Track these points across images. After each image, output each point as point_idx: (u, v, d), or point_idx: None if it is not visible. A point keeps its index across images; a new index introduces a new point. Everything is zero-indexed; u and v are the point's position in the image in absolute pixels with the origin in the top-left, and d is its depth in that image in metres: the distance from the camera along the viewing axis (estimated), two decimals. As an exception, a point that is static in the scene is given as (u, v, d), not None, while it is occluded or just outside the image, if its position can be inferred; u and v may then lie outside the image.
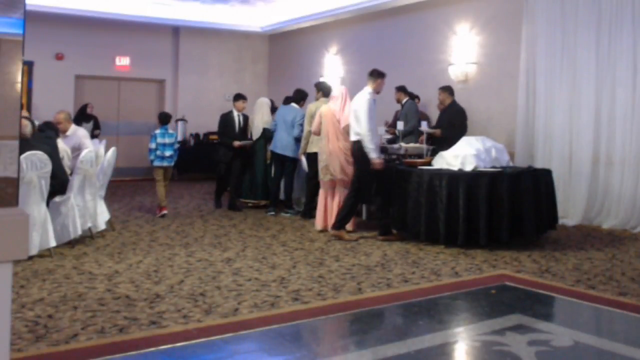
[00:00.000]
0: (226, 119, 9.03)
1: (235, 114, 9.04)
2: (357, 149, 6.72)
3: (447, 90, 8.61)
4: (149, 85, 13.79)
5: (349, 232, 7.17)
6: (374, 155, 6.63)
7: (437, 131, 8.23)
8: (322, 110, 7.41)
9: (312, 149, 7.98)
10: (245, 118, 9.15)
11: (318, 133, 7.44)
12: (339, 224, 6.82)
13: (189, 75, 13.66)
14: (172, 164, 8.41)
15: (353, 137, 6.77)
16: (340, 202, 7.22)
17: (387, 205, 6.77)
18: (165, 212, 8.33)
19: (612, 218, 7.65)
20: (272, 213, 8.50)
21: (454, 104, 8.57)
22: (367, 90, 6.84)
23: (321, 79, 12.23)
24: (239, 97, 9.12)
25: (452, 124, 8.29)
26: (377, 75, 6.91)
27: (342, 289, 4.79)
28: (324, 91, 8.18)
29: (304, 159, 8.30)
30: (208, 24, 13.19)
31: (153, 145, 8.23)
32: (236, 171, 8.96)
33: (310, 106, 8.16)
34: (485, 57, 9.45)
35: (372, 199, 6.93)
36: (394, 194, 6.79)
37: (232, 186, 9.02)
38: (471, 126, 9.40)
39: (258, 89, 14.36)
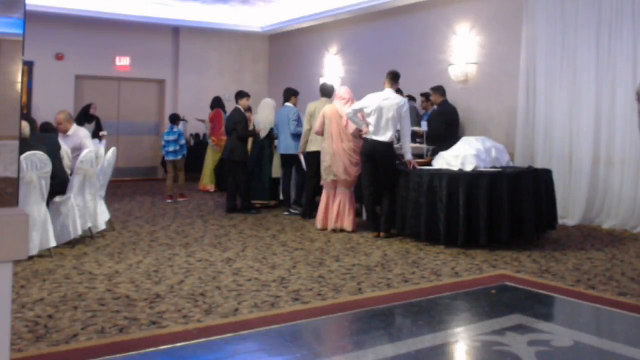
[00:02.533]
0: (241, 116, 8.75)
1: (243, 111, 8.87)
2: (388, 149, 6.85)
3: (439, 90, 8.72)
4: (149, 85, 13.79)
5: (350, 232, 7.22)
6: (410, 156, 6.96)
7: (420, 130, 8.29)
8: (326, 110, 7.41)
9: (311, 147, 8.00)
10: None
11: (321, 133, 7.44)
12: (389, 226, 6.88)
13: (189, 75, 13.66)
14: (178, 157, 9.78)
15: (381, 138, 6.79)
16: (341, 203, 7.27)
17: (394, 207, 6.79)
18: (169, 200, 9.73)
19: (612, 218, 7.65)
20: (287, 213, 8.53)
21: (446, 103, 8.66)
22: (392, 92, 6.94)
23: (321, 79, 12.25)
24: (243, 94, 9.00)
25: (448, 123, 8.32)
26: (398, 77, 7.07)
27: (342, 289, 4.79)
28: (322, 91, 8.25)
29: (302, 158, 8.31)
30: (208, 24, 13.18)
31: (162, 142, 10.00)
32: (247, 172, 8.81)
33: (310, 105, 8.19)
34: (485, 57, 9.45)
35: (379, 202, 6.97)
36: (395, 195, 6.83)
37: (246, 188, 8.71)
38: (471, 126, 9.43)
39: (258, 89, 14.35)
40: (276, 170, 9.10)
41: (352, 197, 7.39)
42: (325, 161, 7.31)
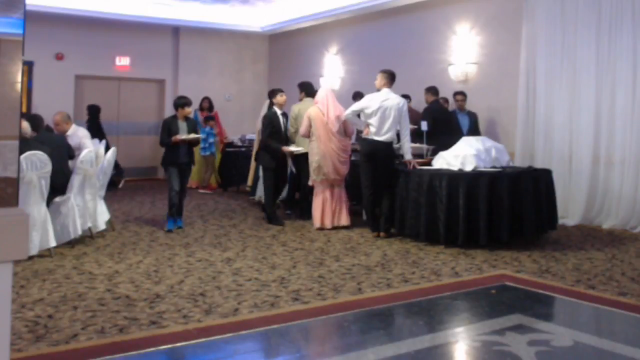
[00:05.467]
0: (272, 121, 7.77)
1: (279, 112, 7.89)
2: (390, 149, 6.89)
3: (431, 90, 9.02)
4: (149, 85, 13.78)
5: (347, 226, 7.42)
6: (410, 156, 6.97)
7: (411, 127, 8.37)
8: (311, 112, 7.44)
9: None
10: (286, 116, 8.02)
11: (308, 135, 7.47)
12: (389, 225, 6.92)
13: (189, 75, 13.65)
14: (207, 154, 11.05)
15: (383, 138, 6.81)
16: (338, 200, 7.46)
17: (393, 207, 6.80)
18: (201, 190, 10.91)
19: (612, 218, 7.65)
20: (289, 212, 8.51)
21: (435, 102, 8.85)
22: (391, 92, 6.93)
23: (321, 79, 12.27)
24: (277, 91, 8.01)
25: (434, 120, 8.40)
26: (395, 77, 7.06)
27: (342, 289, 4.79)
28: (306, 91, 8.22)
29: (290, 161, 8.30)
30: (208, 24, 13.17)
31: None
32: (278, 180, 7.96)
33: (294, 107, 8.18)
34: (485, 57, 9.45)
35: (379, 202, 6.99)
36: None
37: (272, 197, 7.90)
38: (471, 126, 9.42)
39: (258, 89, 14.34)
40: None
41: (345, 194, 7.60)
42: (314, 162, 7.37)
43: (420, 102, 9.69)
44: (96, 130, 10.77)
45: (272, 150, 7.69)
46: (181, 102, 7.36)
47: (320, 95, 7.58)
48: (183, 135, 7.19)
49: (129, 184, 12.21)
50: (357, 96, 9.49)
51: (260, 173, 8.73)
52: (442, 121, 8.66)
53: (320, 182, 7.41)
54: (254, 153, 9.44)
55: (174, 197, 7.23)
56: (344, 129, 7.41)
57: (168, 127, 7.24)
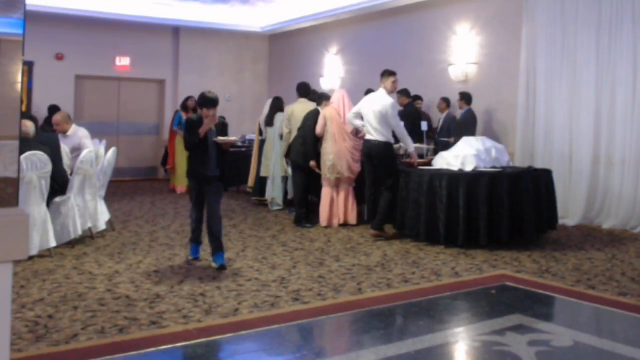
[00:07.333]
0: (312, 113, 7.71)
1: (320, 110, 7.71)
2: (384, 148, 6.83)
3: (404, 93, 9.27)
4: (149, 85, 13.78)
5: (354, 225, 7.51)
6: (412, 148, 7.08)
7: None
8: (327, 112, 7.58)
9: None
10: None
11: (322, 134, 7.57)
12: (381, 223, 6.86)
13: (189, 75, 13.65)
14: None
15: (377, 137, 6.81)
16: (345, 198, 7.57)
17: (390, 206, 6.81)
18: None
19: (612, 218, 7.65)
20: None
21: (410, 105, 9.15)
22: (384, 92, 6.92)
23: (321, 79, 12.28)
24: (326, 96, 7.91)
25: (413, 124, 8.47)
26: (388, 74, 7.01)
27: (342, 289, 4.79)
28: (300, 92, 8.29)
29: (285, 162, 8.28)
30: (208, 24, 13.18)
31: None
32: (309, 179, 7.79)
33: (287, 108, 8.27)
34: (485, 57, 9.45)
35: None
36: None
37: (302, 195, 7.76)
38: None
39: (258, 89, 14.35)
40: (264, 170, 9.00)
41: (354, 192, 7.65)
42: (328, 160, 7.49)
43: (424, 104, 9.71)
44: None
45: (315, 150, 7.59)
46: (210, 99, 5.38)
47: (335, 96, 7.75)
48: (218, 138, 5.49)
49: (129, 184, 12.21)
50: (369, 92, 9.51)
51: (269, 172, 8.74)
52: (413, 124, 8.71)
53: (332, 181, 7.51)
54: (255, 153, 9.44)
55: (193, 223, 5.65)
56: (356, 130, 7.48)
57: (193, 126, 5.33)
